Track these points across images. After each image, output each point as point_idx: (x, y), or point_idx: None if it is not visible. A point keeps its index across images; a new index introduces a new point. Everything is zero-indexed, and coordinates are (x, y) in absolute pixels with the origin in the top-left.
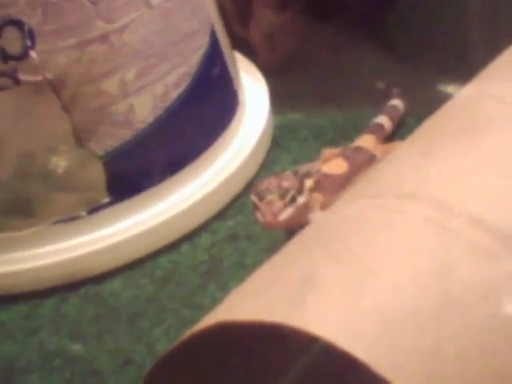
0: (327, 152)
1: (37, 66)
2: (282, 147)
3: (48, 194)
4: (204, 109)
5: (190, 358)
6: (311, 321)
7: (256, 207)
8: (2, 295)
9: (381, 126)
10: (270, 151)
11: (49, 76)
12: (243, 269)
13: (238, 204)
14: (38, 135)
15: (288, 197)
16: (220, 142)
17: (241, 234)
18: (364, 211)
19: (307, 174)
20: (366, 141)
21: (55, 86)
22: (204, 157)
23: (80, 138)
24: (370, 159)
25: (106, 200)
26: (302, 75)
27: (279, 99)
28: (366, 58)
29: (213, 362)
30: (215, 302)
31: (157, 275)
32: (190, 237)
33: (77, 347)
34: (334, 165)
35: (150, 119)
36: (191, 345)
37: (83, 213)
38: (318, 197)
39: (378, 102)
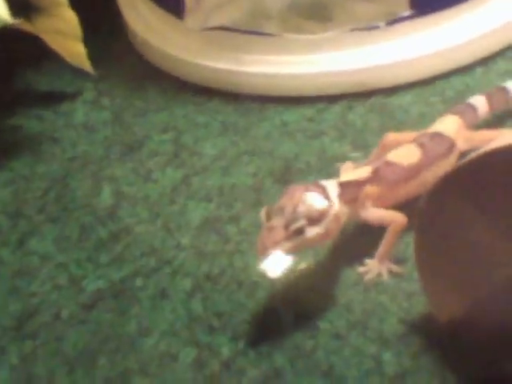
0: (391, 136)
1: None
2: None
3: (347, 2)
4: None
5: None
6: None
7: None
8: (287, 96)
9: (473, 108)
10: None
11: None
12: None
13: None
14: None
15: (293, 227)
16: None
17: None
18: None
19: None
20: (448, 124)
21: None
22: None
23: None
24: (449, 150)
25: (407, 13)
26: None
27: None
28: None
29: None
30: None
31: (447, 95)
32: (486, 62)
33: (357, 154)
34: (403, 152)
35: None
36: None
37: (382, 23)
38: (372, 190)
39: None
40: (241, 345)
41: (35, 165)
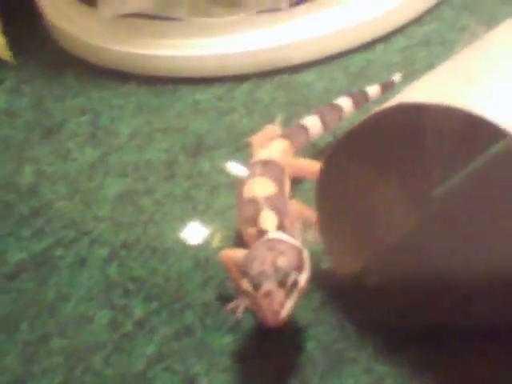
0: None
1: None
2: None
3: None
4: None
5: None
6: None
7: (251, 299)
8: (199, 77)
9: (304, 130)
10: None
11: None
12: None
13: (436, 12)
14: None
15: (289, 283)
16: None
17: (435, 40)
18: None
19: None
20: (274, 149)
21: None
22: None
23: None
24: (283, 173)
25: None
26: None
27: None
28: None
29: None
30: None
31: (350, 71)
32: (386, 39)
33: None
34: (260, 186)
35: None
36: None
37: (285, 5)
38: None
39: None
40: (154, 305)
41: None
